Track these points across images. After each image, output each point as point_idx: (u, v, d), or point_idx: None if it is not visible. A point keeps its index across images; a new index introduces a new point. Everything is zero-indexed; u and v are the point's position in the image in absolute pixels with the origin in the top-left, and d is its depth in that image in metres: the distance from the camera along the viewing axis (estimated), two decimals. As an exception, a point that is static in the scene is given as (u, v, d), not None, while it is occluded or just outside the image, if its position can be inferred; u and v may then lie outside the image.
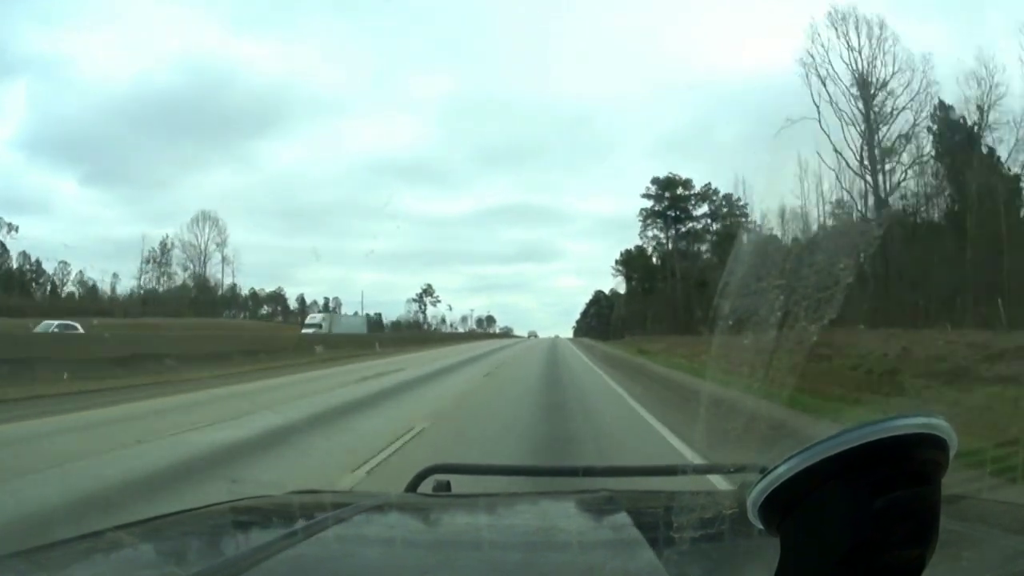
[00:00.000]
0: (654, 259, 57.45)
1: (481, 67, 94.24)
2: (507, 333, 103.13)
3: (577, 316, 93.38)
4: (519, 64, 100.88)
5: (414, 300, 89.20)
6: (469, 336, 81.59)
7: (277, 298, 76.47)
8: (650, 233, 56.40)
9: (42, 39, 76.13)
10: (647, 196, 55.68)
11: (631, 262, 59.61)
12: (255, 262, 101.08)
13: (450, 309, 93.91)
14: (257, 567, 0.98)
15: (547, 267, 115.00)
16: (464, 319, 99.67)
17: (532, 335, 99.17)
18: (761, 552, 0.81)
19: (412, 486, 1.72)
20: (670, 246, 55.51)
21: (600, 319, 77.68)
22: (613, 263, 63.12)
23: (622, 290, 66.43)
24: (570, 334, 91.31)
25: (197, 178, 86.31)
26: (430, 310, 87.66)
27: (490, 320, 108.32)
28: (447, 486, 1.74)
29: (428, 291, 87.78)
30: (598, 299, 79.61)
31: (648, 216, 55.65)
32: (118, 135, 72.25)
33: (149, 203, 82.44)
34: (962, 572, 0.93)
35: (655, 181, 55.50)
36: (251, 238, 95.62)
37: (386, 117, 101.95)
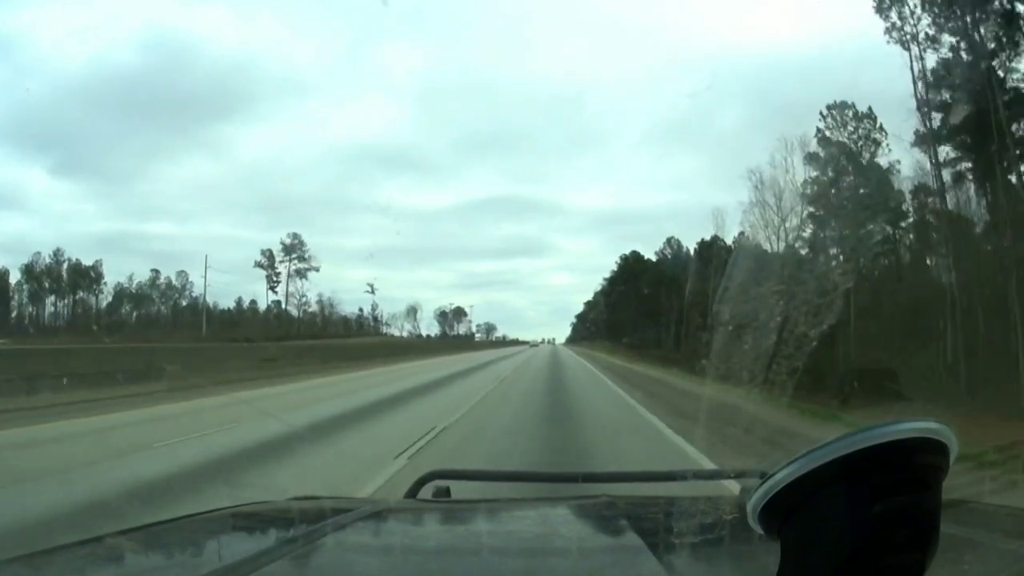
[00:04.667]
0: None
1: (464, 45, 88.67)
2: (486, 337, 71.42)
3: (573, 316, 72.74)
4: (506, 43, 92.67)
5: (259, 265, 47.36)
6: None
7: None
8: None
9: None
10: None
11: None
12: (229, 258, 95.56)
13: (372, 291, 54.46)
14: (257, 573, 0.98)
15: (539, 263, 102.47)
16: (411, 311, 61.25)
17: (533, 343, 74.44)
18: (761, 557, 0.81)
19: (412, 492, 1.72)
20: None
21: (601, 320, 49.08)
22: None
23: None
24: (569, 336, 77.97)
25: (162, 168, 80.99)
26: (297, 286, 48.43)
27: (458, 313, 67.97)
28: (447, 492, 1.74)
29: (293, 248, 46.70)
30: (626, 272, 44.12)
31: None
32: (85, 123, 69.09)
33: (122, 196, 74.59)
34: None
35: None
36: (224, 232, 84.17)
37: (362, 101, 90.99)
